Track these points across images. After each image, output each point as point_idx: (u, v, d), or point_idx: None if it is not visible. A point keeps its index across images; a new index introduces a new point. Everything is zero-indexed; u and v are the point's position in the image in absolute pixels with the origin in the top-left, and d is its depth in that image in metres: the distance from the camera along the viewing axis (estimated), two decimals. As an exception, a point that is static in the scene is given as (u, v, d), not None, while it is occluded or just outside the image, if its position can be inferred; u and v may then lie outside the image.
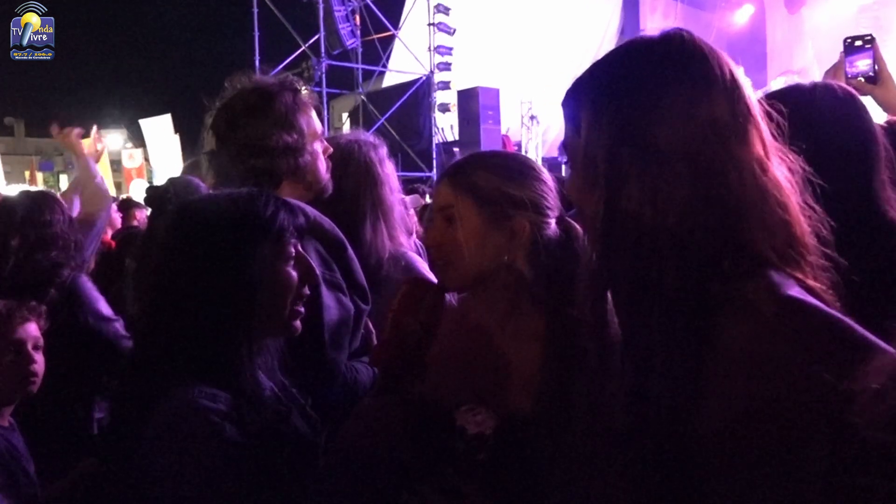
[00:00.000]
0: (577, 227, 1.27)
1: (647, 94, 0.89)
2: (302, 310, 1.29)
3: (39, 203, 2.34)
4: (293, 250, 1.26)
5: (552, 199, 1.31)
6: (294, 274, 1.25)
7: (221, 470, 1.07)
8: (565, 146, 0.99)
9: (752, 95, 0.92)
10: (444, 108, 14.15)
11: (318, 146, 1.86)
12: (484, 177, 1.29)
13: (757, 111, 0.91)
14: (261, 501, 1.11)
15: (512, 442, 1.19)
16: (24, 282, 2.16)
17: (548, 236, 1.28)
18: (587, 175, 0.92)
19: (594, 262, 0.94)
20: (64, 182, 20.86)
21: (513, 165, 1.32)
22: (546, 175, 1.34)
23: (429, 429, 1.30)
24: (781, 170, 0.91)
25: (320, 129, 1.89)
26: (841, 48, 2.01)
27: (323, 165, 1.88)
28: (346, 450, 1.24)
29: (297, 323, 1.29)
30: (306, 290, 1.29)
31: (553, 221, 1.29)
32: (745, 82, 0.92)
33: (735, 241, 0.86)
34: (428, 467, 1.28)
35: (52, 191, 2.79)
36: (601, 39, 15.97)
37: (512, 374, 1.26)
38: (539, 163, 1.71)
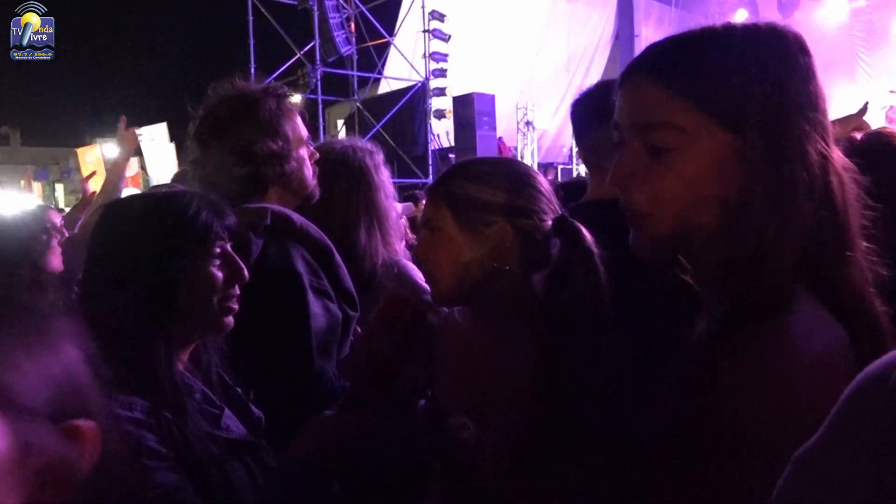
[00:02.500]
0: (581, 228, 1.21)
1: (779, 91, 0.81)
2: (235, 307, 1.26)
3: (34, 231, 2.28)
4: (219, 250, 1.23)
5: (545, 203, 1.26)
6: (219, 274, 1.23)
7: (136, 482, 1.02)
8: (670, 126, 0.85)
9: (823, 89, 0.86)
10: (440, 115, 14.16)
11: (304, 152, 1.84)
12: (460, 184, 1.25)
13: (826, 108, 0.86)
14: None
15: (493, 454, 1.17)
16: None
17: (539, 240, 1.23)
18: (693, 177, 0.83)
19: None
20: (60, 191, 20.82)
21: (494, 171, 1.28)
22: (537, 178, 1.29)
23: (434, 430, 1.29)
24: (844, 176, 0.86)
25: (306, 134, 1.88)
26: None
27: (309, 171, 1.86)
28: (294, 461, 1.22)
29: (229, 319, 1.26)
30: (236, 290, 1.26)
31: (547, 224, 1.24)
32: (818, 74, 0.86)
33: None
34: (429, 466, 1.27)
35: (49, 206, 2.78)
36: (595, 45, 16.05)
37: (502, 385, 1.22)
38: (535, 168, 1.68)
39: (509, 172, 1.28)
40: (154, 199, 1.26)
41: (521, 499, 1.11)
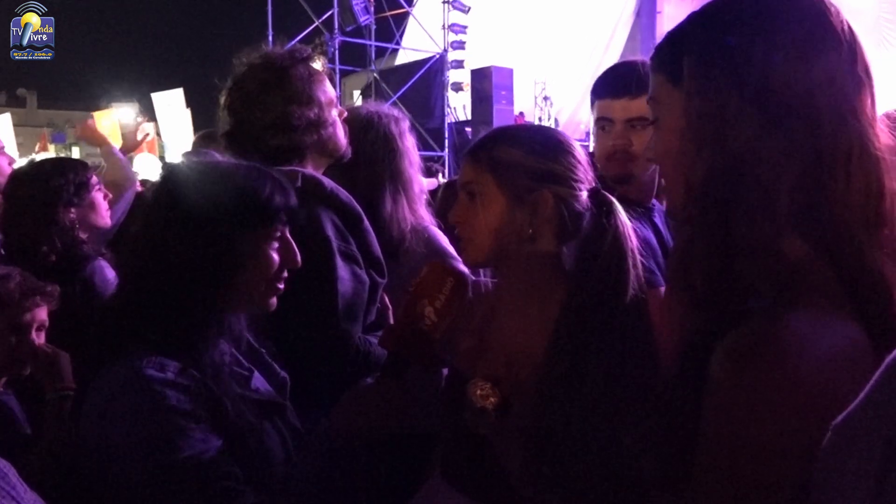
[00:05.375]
0: (614, 200, 1.23)
1: (764, 40, 0.81)
2: (281, 286, 1.27)
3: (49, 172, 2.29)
4: (279, 233, 1.24)
5: (581, 172, 1.27)
6: (276, 257, 1.24)
7: (165, 439, 1.05)
8: (652, 99, 0.92)
9: (869, 56, 0.84)
10: (457, 87, 14.03)
11: (335, 113, 1.85)
12: (504, 151, 1.26)
13: (873, 74, 0.84)
14: (212, 467, 1.08)
15: (513, 420, 1.17)
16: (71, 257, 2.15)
17: (576, 210, 1.24)
18: (689, 130, 0.84)
19: (688, 229, 0.87)
20: (76, 154, 20.90)
21: (536, 138, 1.28)
22: (575, 147, 1.30)
23: (448, 397, 1.30)
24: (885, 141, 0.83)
25: (335, 95, 1.88)
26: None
27: (341, 132, 1.87)
28: (333, 430, 1.23)
29: (273, 300, 1.27)
30: (285, 273, 1.27)
31: (584, 194, 1.26)
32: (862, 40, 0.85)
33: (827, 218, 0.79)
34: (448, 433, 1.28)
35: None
36: (616, 21, 15.79)
37: (526, 352, 1.23)
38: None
39: (550, 140, 1.29)
40: (228, 174, 1.25)
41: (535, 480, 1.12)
